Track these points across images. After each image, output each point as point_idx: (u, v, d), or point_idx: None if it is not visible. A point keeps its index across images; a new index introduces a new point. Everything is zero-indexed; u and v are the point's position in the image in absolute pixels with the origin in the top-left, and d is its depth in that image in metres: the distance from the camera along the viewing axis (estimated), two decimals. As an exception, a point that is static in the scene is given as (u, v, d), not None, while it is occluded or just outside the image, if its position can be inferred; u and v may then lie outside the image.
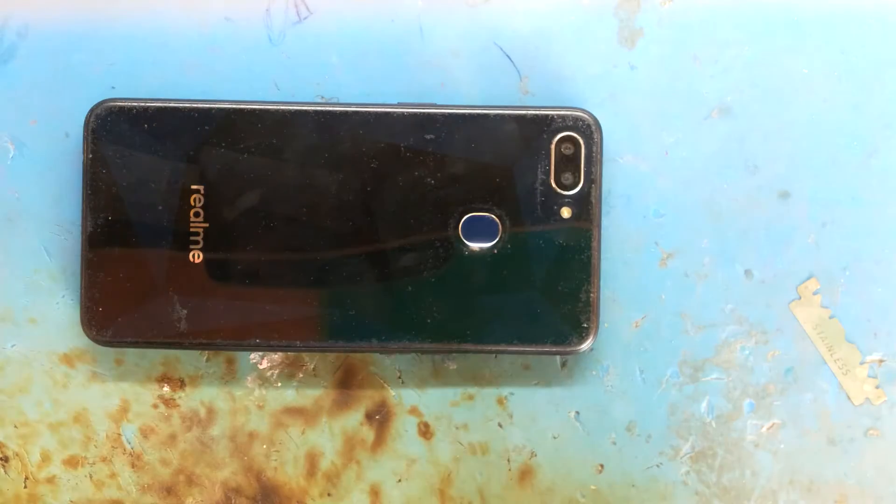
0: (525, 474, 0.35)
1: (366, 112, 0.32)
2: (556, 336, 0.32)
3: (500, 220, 0.32)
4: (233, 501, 0.35)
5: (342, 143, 0.32)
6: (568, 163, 0.32)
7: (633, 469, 0.35)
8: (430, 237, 0.32)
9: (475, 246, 0.32)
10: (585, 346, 0.32)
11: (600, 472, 0.35)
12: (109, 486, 0.35)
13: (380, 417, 0.35)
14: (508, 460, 0.35)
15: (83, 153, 0.32)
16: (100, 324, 0.32)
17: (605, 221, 0.33)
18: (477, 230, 0.32)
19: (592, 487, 0.35)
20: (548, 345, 0.32)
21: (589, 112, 0.32)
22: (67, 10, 0.34)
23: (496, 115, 0.32)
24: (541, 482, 0.35)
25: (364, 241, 0.32)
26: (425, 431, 0.35)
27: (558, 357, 0.34)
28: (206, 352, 0.34)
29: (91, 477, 0.35)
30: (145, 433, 0.35)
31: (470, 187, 0.32)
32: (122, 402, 0.34)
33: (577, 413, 0.35)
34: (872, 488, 0.35)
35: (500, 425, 0.35)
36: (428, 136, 0.32)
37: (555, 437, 0.35)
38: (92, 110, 0.32)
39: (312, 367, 0.34)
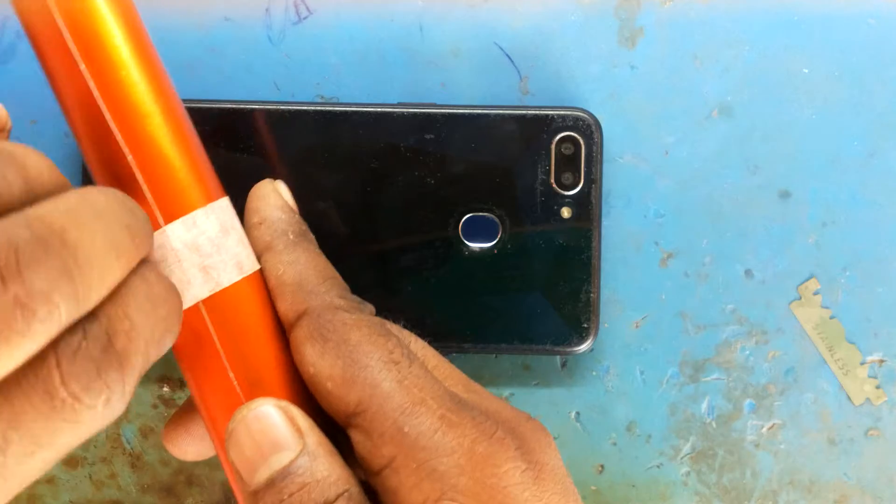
0: (525, 474, 0.35)
1: (366, 112, 0.32)
2: (556, 336, 0.32)
3: (500, 220, 0.32)
4: (232, 502, 0.35)
5: (342, 143, 0.32)
6: (568, 163, 0.32)
7: (633, 469, 0.35)
8: (430, 237, 0.32)
9: (475, 246, 0.32)
10: (585, 346, 0.32)
11: (600, 472, 0.35)
12: (109, 486, 0.35)
13: (380, 418, 0.35)
14: (508, 460, 0.35)
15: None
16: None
17: (605, 221, 0.33)
18: (477, 230, 0.32)
19: (592, 487, 0.35)
20: (548, 345, 0.32)
21: (589, 112, 0.32)
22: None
23: (496, 115, 0.32)
24: (541, 482, 0.35)
25: (364, 241, 0.32)
26: (425, 432, 0.35)
27: (558, 357, 0.34)
28: (206, 352, 0.34)
29: (91, 477, 0.35)
30: (145, 433, 0.35)
31: (470, 187, 0.32)
32: (121, 402, 0.34)
33: (578, 413, 0.35)
34: (872, 488, 0.35)
35: (500, 425, 0.35)
36: (428, 136, 0.32)
37: (555, 438, 0.35)
38: (92, 110, 0.32)
39: (312, 367, 0.34)
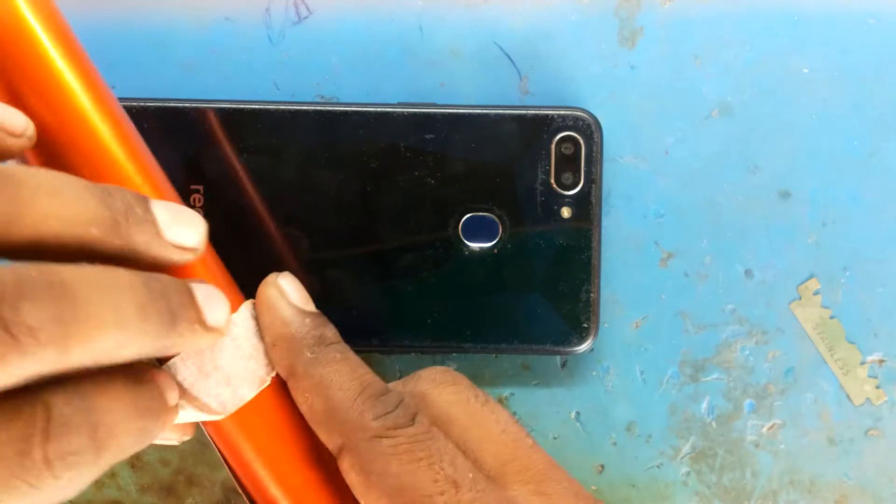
0: (525, 474, 0.35)
1: (366, 112, 0.32)
2: (556, 336, 0.32)
3: (500, 220, 0.32)
4: (232, 502, 0.35)
5: (342, 143, 0.32)
6: (568, 163, 0.32)
7: (633, 469, 0.35)
8: (430, 237, 0.32)
9: (475, 246, 0.32)
10: (585, 346, 0.32)
11: (600, 472, 0.35)
12: (109, 486, 0.35)
13: (380, 417, 0.35)
14: (508, 460, 0.35)
15: (83, 153, 0.32)
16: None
17: (605, 221, 0.33)
18: (477, 230, 0.32)
19: (592, 487, 0.35)
20: (548, 345, 0.32)
21: (589, 112, 0.32)
22: (66, 11, 0.34)
23: (496, 115, 0.32)
24: (541, 482, 0.35)
25: (364, 241, 0.32)
26: (425, 431, 0.35)
27: (558, 357, 0.34)
28: (206, 352, 0.34)
29: (91, 477, 0.35)
30: (145, 433, 0.35)
31: (470, 187, 0.32)
32: (121, 402, 0.34)
33: (578, 413, 0.35)
34: (873, 488, 0.35)
35: (500, 425, 0.35)
36: (428, 136, 0.32)
37: (555, 438, 0.35)
38: (92, 110, 0.32)
39: (312, 367, 0.34)
